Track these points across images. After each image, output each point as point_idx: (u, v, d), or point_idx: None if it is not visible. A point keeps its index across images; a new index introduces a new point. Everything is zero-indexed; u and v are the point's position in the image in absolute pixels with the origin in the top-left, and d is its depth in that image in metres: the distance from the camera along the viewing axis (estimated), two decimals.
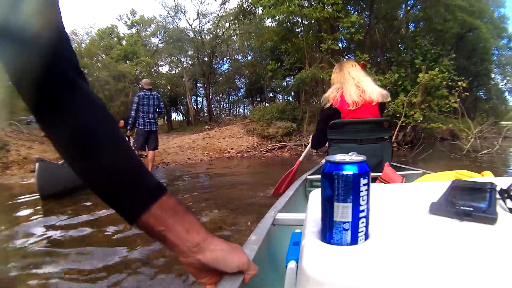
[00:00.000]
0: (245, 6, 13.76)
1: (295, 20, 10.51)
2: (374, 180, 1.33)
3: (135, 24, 20.73)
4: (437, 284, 0.30)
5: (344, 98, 1.85)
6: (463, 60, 19.94)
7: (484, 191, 0.54)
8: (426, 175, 1.19)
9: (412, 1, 15.27)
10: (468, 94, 10.12)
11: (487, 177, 0.81)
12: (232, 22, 17.74)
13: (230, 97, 25.82)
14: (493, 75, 23.78)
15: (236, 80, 23.32)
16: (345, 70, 1.92)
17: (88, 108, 0.41)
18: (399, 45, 14.39)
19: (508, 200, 0.50)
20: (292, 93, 14.20)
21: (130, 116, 4.82)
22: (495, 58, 23.05)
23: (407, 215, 0.48)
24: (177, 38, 19.81)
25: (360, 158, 0.39)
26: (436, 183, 0.67)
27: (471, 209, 0.44)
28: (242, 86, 23.67)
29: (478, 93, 24.04)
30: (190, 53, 20.96)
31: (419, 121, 8.96)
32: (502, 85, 25.48)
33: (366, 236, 0.39)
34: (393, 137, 9.12)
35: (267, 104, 15.18)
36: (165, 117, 23.88)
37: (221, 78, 22.56)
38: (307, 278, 0.34)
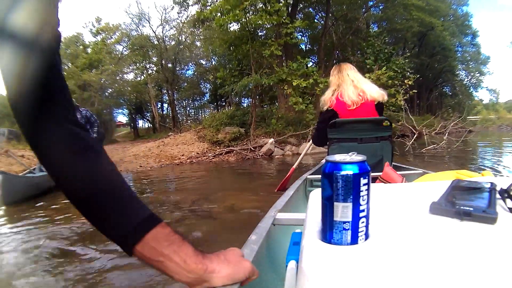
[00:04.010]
0: (202, 12, 13.83)
1: (245, 23, 10.69)
2: (374, 179, 1.33)
3: (100, 31, 20.56)
4: (437, 284, 0.30)
5: (342, 99, 1.88)
6: (425, 58, 20.15)
7: (484, 191, 0.54)
8: (426, 175, 1.20)
9: (371, 2, 15.49)
10: (416, 91, 10.46)
11: (487, 177, 0.81)
12: (192, 28, 17.79)
13: (196, 103, 25.92)
14: (458, 72, 23.98)
15: (200, 85, 23.36)
16: (343, 72, 1.95)
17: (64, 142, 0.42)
18: (358, 46, 14.54)
19: (508, 200, 0.50)
20: (258, 97, 14.16)
21: None
22: (459, 54, 23.28)
23: (407, 215, 0.48)
24: (141, 45, 19.86)
25: (360, 158, 0.39)
26: (436, 183, 0.67)
27: (471, 209, 0.44)
28: (207, 91, 23.71)
29: (443, 89, 24.39)
30: (154, 59, 21.00)
31: None
32: (466, 80, 25.81)
33: (366, 236, 0.39)
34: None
35: (231, 108, 15.57)
36: (131, 125, 23.98)
37: (185, 84, 22.59)
38: (307, 278, 0.34)
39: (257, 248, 0.69)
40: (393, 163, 1.92)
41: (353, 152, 0.41)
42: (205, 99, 25.00)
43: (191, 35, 19.77)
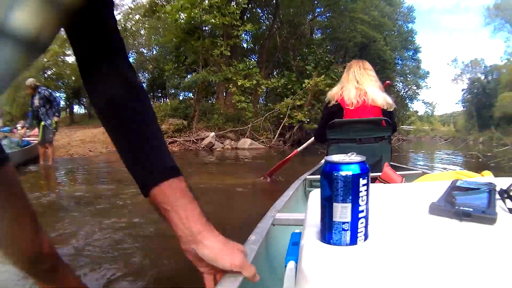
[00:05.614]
0: (156, 1, 13.67)
1: (199, 21, 10.99)
2: (373, 180, 1.33)
3: None
4: (436, 285, 0.29)
5: (344, 97, 1.88)
6: None
7: (483, 191, 0.54)
8: (425, 175, 1.20)
9: (319, 10, 15.83)
10: None
11: (487, 177, 0.81)
12: (141, 16, 17.75)
13: None
14: (395, 83, 25.05)
15: (139, 74, 22.80)
16: (350, 71, 1.95)
17: (116, 84, 0.51)
18: (300, 51, 14.88)
19: (507, 200, 0.50)
20: (194, 90, 14.29)
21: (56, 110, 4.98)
22: (399, 67, 24.34)
23: (406, 215, 0.48)
24: None
25: (359, 158, 0.39)
26: (435, 183, 0.67)
27: (471, 209, 0.44)
28: (145, 80, 23.28)
29: None
30: None
31: (305, 121, 10.05)
32: (403, 92, 26.85)
33: (366, 237, 0.39)
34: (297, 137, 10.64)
35: (167, 100, 15.73)
36: (67, 110, 23.57)
37: None
38: (306, 278, 0.33)
39: (256, 248, 0.69)
40: (392, 164, 1.93)
41: (352, 153, 0.40)
42: None
43: (137, 22, 19.49)
